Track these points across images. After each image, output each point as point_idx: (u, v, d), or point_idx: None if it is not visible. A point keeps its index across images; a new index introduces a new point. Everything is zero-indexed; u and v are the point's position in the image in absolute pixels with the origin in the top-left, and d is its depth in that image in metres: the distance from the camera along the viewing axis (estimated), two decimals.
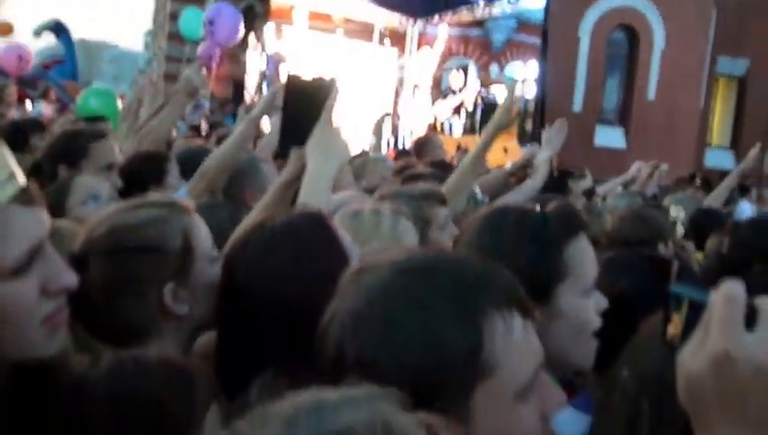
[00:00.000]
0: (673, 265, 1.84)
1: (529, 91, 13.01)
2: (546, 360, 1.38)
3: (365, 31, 13.73)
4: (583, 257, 1.48)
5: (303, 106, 1.92)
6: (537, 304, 1.40)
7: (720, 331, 0.90)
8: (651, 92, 15.42)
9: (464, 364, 0.93)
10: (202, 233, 1.59)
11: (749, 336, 0.90)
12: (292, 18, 14.00)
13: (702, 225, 4.29)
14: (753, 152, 5.31)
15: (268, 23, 14.27)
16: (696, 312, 0.95)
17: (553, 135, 4.09)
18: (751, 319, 0.91)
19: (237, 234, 1.50)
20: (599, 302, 1.50)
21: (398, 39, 13.55)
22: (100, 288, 1.47)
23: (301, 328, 1.09)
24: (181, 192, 2.91)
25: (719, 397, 0.91)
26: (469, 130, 13.52)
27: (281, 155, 4.12)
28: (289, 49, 13.59)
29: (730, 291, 0.91)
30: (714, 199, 5.43)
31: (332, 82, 1.95)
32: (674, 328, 0.98)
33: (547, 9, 12.34)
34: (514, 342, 0.97)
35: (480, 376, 0.94)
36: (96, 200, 2.59)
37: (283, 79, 2.06)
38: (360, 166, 4.86)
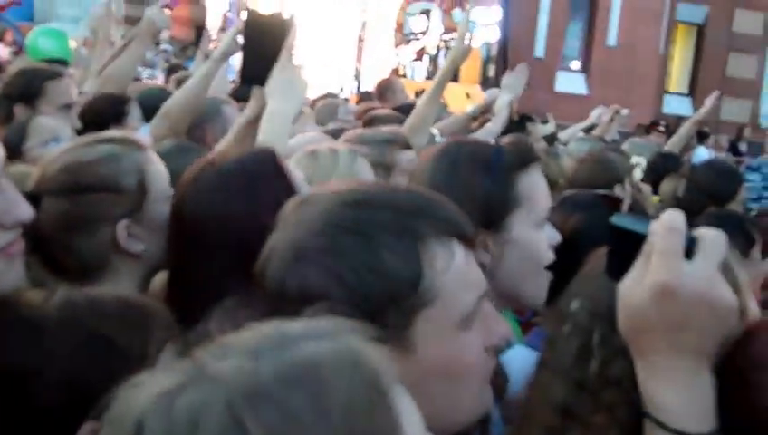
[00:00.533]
0: (623, 202, 1.88)
1: (492, 36, 12.97)
2: (499, 292, 1.40)
3: None
4: (536, 189, 1.50)
5: (263, 44, 1.91)
6: (491, 232, 1.43)
7: (660, 262, 0.92)
8: (612, 39, 15.47)
9: (404, 292, 0.93)
10: (158, 171, 1.58)
11: (688, 266, 0.91)
12: None
13: (660, 169, 4.37)
14: (710, 100, 5.37)
15: None
16: (636, 243, 0.95)
17: (514, 80, 4.11)
18: (690, 250, 0.92)
19: (189, 171, 1.49)
20: (551, 236, 1.53)
21: None
22: (54, 225, 1.47)
23: (251, 260, 1.08)
24: (142, 132, 2.88)
25: (660, 326, 0.93)
26: (432, 74, 13.46)
27: (242, 96, 4.10)
28: None
29: (670, 222, 0.93)
30: (672, 146, 5.50)
31: (291, 20, 1.94)
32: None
33: None
34: (455, 271, 0.97)
35: (421, 304, 0.94)
36: (57, 142, 2.56)
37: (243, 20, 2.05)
38: (323, 109, 4.84)
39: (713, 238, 0.94)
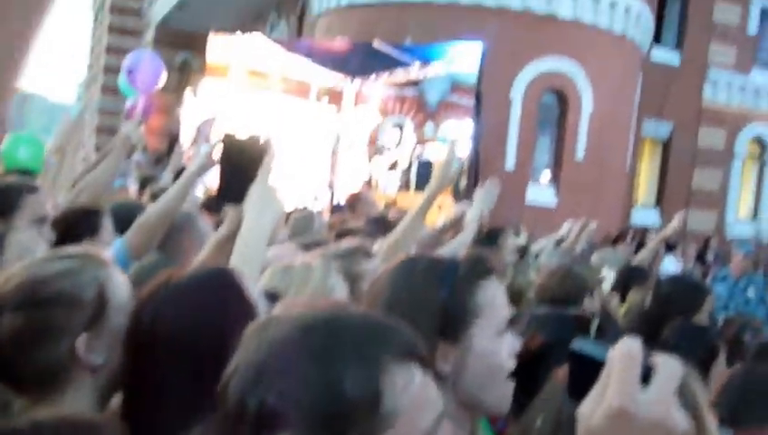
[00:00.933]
0: (593, 321, 1.93)
1: (463, 150, 13.25)
2: (461, 401, 1.45)
3: (302, 89, 13.85)
4: (494, 299, 1.53)
5: (240, 165, 1.97)
6: (451, 343, 1.46)
7: (617, 387, 0.94)
8: (580, 153, 15.84)
9: (364, 417, 0.95)
10: (118, 284, 1.60)
11: (644, 392, 0.94)
12: (228, 75, 14.06)
13: (628, 280, 4.45)
14: (677, 219, 5.52)
15: (205, 78, 14.30)
16: (596, 368, 0.99)
17: (485, 194, 4.21)
18: (647, 376, 0.95)
19: (147, 286, 1.52)
20: (512, 343, 1.55)
21: (334, 97, 13.70)
22: (12, 340, 1.48)
23: (205, 381, 1.09)
24: (116, 246, 2.90)
25: None
26: (404, 186, 13.68)
27: (214, 209, 4.15)
28: (225, 105, 13.63)
29: (627, 349, 0.96)
30: (641, 260, 5.62)
31: (268, 142, 2.00)
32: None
33: (480, 72, 12.64)
34: (415, 393, 0.99)
35: (381, 428, 0.96)
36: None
37: (218, 135, 2.12)
38: (297, 222, 4.90)
39: (669, 365, 0.97)
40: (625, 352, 0.96)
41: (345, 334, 0.99)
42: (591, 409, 0.97)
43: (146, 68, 10.28)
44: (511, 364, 1.53)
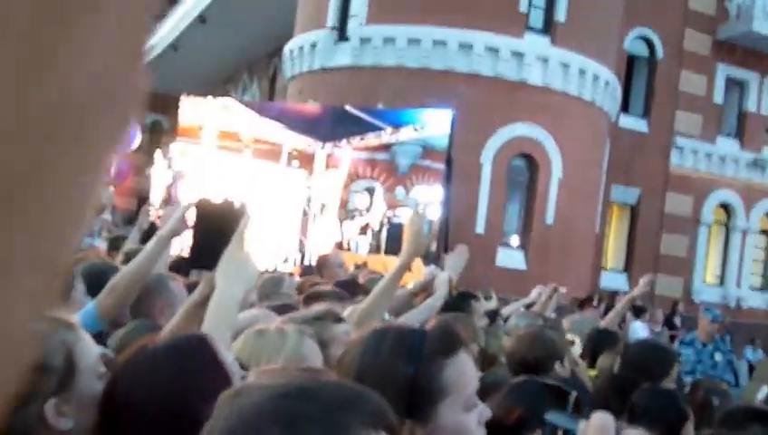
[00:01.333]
0: (571, 394, 1.95)
1: (433, 213, 13.36)
2: None
3: (273, 152, 13.93)
4: (463, 375, 1.52)
5: (214, 230, 1.99)
6: (418, 422, 1.45)
7: None
8: (550, 217, 16.02)
9: None
10: (87, 348, 1.59)
11: None
12: (200, 136, 14.11)
13: (597, 345, 4.48)
14: (644, 280, 5.60)
15: (176, 139, 14.33)
16: None
17: (454, 259, 4.25)
18: None
19: (123, 353, 1.52)
20: (482, 413, 1.53)
21: (306, 160, 13.79)
22: None
23: None
24: (88, 308, 2.89)
25: None
26: (375, 249, 13.73)
27: (184, 272, 4.14)
28: (196, 167, 13.66)
29: (600, 422, 1.00)
30: (609, 322, 5.66)
31: (243, 207, 2.03)
32: None
33: (451, 136, 12.81)
34: None
35: None
36: None
37: (187, 197, 2.13)
38: (266, 283, 4.89)
39: None
40: (597, 426, 1.00)
41: (314, 402, 1.00)
42: None
43: None
44: (481, 433, 1.52)
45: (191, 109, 14.41)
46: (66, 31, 0.29)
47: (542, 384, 2.17)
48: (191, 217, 2.24)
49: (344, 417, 0.99)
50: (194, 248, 2.03)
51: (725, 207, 21.68)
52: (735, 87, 21.90)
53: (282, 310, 2.97)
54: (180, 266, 4.46)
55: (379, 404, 1.05)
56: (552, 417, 1.09)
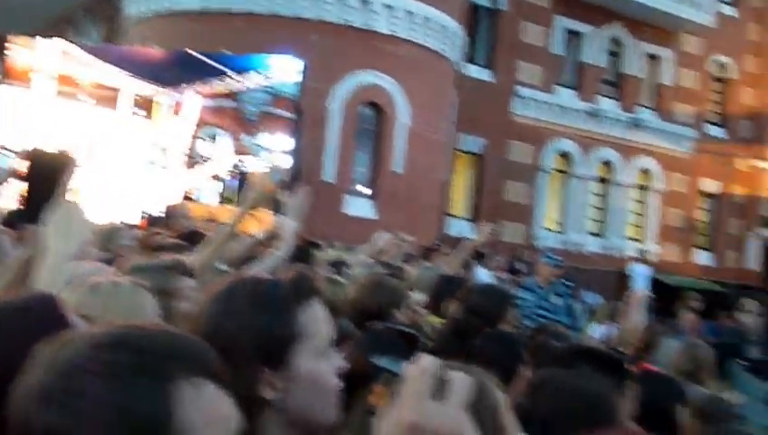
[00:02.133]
0: (420, 339, 1.99)
1: (282, 161, 13.23)
2: (290, 422, 1.46)
3: (115, 98, 13.34)
4: (316, 321, 1.53)
5: (47, 182, 1.88)
6: (274, 369, 1.45)
7: (410, 402, 0.99)
8: (398, 165, 16.21)
9: (154, 433, 0.93)
10: None
11: (435, 407, 0.98)
12: (30, 80, 13.32)
13: (443, 291, 4.56)
14: (484, 229, 5.75)
15: (2, 84, 13.44)
16: (393, 382, 1.03)
17: (296, 204, 4.18)
18: (441, 390, 0.99)
19: None
20: (336, 363, 1.55)
21: (150, 107, 13.32)
22: None
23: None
24: None
25: None
26: (224, 199, 13.48)
27: (16, 225, 3.90)
28: (28, 113, 12.95)
29: (422, 365, 1.01)
30: (448, 267, 5.78)
31: (68, 156, 1.91)
32: (375, 397, 1.07)
33: (302, 86, 12.68)
34: (206, 410, 0.98)
35: None
36: None
37: (25, 148, 2.01)
38: (106, 235, 4.70)
39: (460, 380, 1.02)
40: (420, 368, 1.00)
41: (133, 351, 0.97)
42: (387, 421, 1.00)
43: None
44: (336, 383, 1.53)
45: (20, 51, 13.55)
46: None
47: (395, 331, 2.21)
48: (23, 167, 2.09)
49: (164, 364, 0.96)
50: (26, 201, 1.90)
51: (565, 156, 22.61)
52: (574, 39, 22.72)
53: (110, 263, 2.84)
54: (12, 219, 4.23)
55: (203, 351, 1.03)
56: (377, 359, 1.11)
